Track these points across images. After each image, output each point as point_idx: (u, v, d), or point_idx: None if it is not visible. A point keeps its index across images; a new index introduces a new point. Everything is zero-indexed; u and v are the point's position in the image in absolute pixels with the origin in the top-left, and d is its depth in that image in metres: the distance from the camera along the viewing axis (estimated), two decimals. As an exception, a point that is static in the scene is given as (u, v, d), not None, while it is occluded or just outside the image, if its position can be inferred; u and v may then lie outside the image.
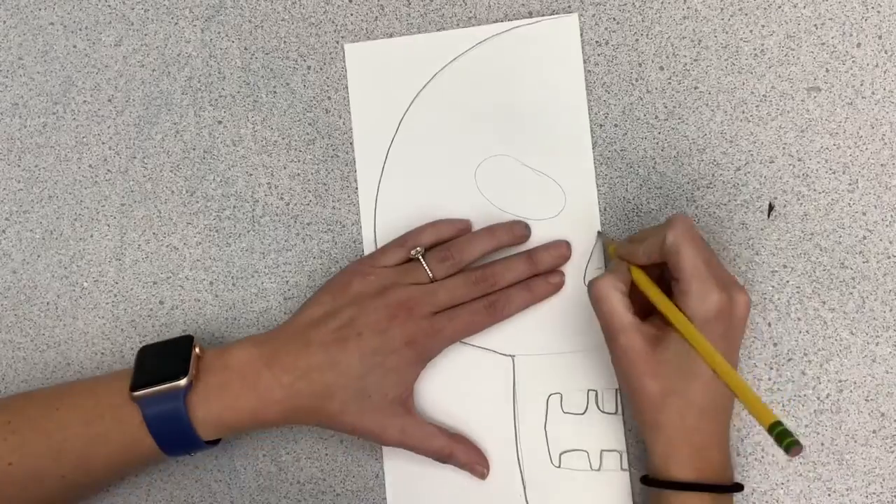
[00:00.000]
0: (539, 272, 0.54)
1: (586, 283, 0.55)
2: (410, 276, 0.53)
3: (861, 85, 0.55)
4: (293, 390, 0.50)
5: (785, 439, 0.40)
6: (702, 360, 0.46)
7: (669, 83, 0.56)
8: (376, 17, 0.58)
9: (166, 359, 0.50)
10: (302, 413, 0.51)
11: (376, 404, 0.51)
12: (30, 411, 0.50)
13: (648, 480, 0.49)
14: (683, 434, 0.47)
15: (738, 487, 0.49)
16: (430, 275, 0.53)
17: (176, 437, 0.49)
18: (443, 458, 0.53)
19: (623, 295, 0.49)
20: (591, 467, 0.54)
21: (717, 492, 0.47)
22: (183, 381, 0.49)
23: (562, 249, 0.55)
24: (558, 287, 0.55)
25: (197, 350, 0.51)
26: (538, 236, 0.56)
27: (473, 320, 0.53)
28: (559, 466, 0.54)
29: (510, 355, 0.55)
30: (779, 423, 0.40)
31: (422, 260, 0.53)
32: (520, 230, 0.55)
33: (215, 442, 0.52)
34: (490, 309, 0.53)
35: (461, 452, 0.53)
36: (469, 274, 0.54)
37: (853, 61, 0.55)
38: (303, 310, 0.53)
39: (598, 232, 0.55)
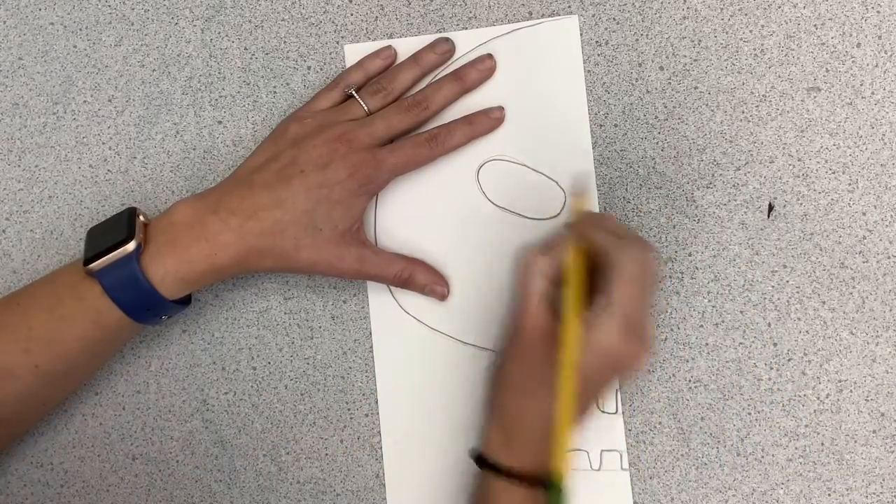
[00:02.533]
0: (468, 88, 0.56)
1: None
2: (347, 114, 0.54)
3: (861, 85, 0.55)
4: (243, 231, 0.50)
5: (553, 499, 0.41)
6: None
7: (669, 83, 0.56)
8: (376, 17, 0.58)
9: (112, 231, 0.51)
10: (255, 255, 0.51)
11: (328, 236, 0.51)
12: None
13: (481, 460, 0.48)
14: (521, 424, 0.47)
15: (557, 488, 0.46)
16: (365, 108, 0.54)
17: (138, 300, 0.50)
18: (402, 282, 0.54)
19: (545, 278, 0.47)
20: (591, 467, 0.54)
21: (540, 486, 0.45)
22: (131, 245, 0.49)
23: (487, 62, 0.56)
24: (499, 121, 0.56)
25: (142, 218, 0.51)
26: (538, 236, 0.56)
27: (416, 152, 0.54)
28: (559, 466, 0.54)
29: (510, 355, 0.55)
30: (558, 489, 0.41)
31: (355, 95, 0.55)
32: (442, 46, 0.56)
33: (185, 302, 0.53)
34: (432, 142, 0.54)
35: (420, 273, 0.54)
36: (401, 101, 0.55)
37: (853, 61, 0.55)
38: (244, 162, 0.54)
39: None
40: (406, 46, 0.58)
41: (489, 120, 0.56)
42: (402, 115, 0.54)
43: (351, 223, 0.53)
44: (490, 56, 0.56)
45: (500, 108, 0.56)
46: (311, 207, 0.51)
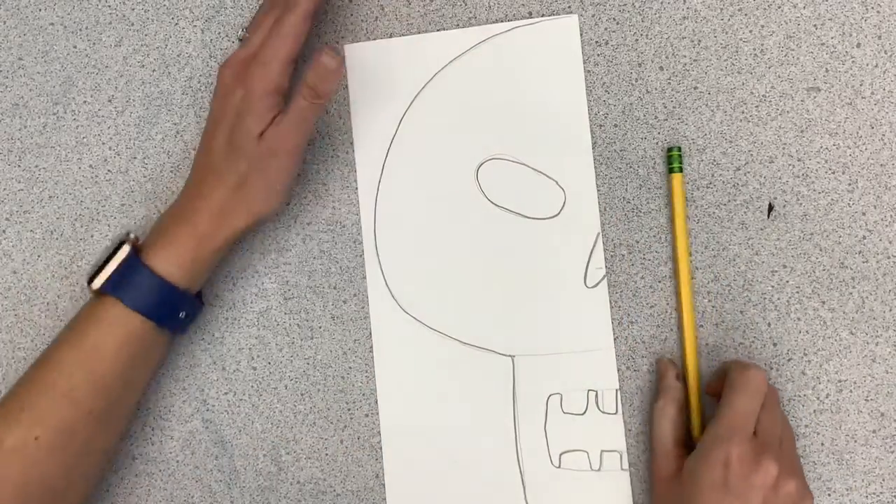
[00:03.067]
0: None
1: (587, 283, 0.55)
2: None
3: (861, 85, 0.55)
4: (212, 193, 0.52)
5: None
6: None
7: (669, 83, 0.56)
8: (376, 17, 0.58)
9: (106, 255, 0.52)
10: (230, 205, 0.52)
11: (258, 141, 0.51)
12: (27, 384, 0.50)
13: None
14: None
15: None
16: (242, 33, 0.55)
17: (152, 297, 0.50)
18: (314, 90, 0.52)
19: (671, 420, 0.52)
20: (591, 467, 0.54)
21: None
22: (125, 247, 0.51)
23: None
24: None
25: (132, 235, 0.52)
26: (538, 236, 0.56)
27: (279, 26, 0.52)
28: (559, 467, 0.54)
29: (510, 355, 0.55)
30: None
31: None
32: None
33: (199, 302, 0.54)
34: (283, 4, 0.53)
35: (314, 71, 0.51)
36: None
37: (853, 61, 0.55)
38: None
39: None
40: (406, 46, 0.58)
41: None
42: (268, 13, 0.53)
43: (266, 119, 0.52)
44: None
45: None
46: (228, 137, 0.52)
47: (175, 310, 0.52)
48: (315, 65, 0.50)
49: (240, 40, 0.58)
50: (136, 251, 0.51)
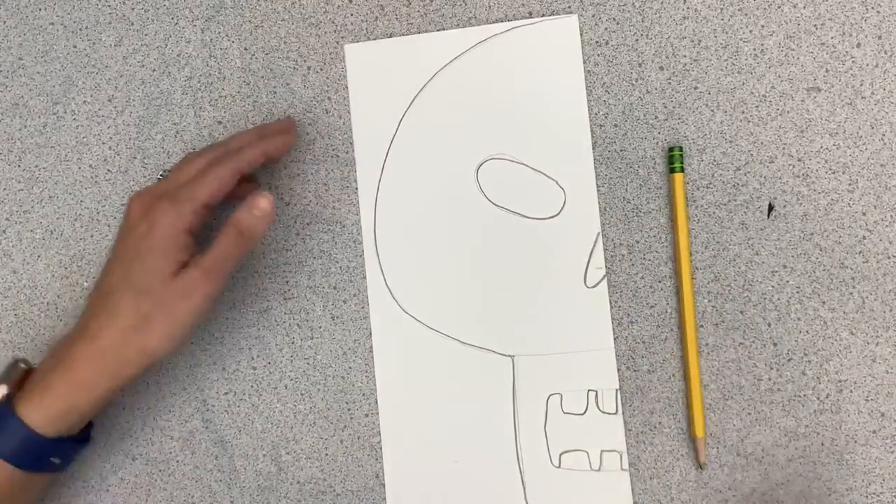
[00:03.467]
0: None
1: (587, 283, 0.55)
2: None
3: (861, 85, 0.55)
4: (88, 339, 0.48)
5: None
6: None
7: (669, 83, 0.56)
8: (376, 17, 0.58)
9: None
10: (111, 353, 0.48)
11: (162, 287, 0.48)
12: None
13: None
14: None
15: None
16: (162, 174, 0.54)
17: (20, 446, 0.47)
18: (241, 234, 0.50)
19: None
20: (591, 467, 0.54)
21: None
22: (3, 389, 0.49)
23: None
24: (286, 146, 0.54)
25: (23, 365, 0.50)
26: (538, 236, 0.56)
27: (213, 172, 0.50)
28: (559, 467, 0.54)
29: (510, 355, 0.55)
30: None
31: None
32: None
33: (81, 440, 0.51)
34: (227, 155, 0.51)
35: (243, 216, 0.50)
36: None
37: (853, 61, 0.55)
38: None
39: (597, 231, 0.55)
40: (406, 46, 0.58)
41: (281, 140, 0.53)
42: (201, 155, 0.52)
43: (177, 258, 0.49)
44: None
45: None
46: (129, 274, 0.49)
47: (43, 457, 0.49)
48: (248, 205, 0.49)
49: (159, 179, 0.56)
50: (12, 394, 0.48)
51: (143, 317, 0.48)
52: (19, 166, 0.59)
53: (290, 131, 0.55)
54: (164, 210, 0.49)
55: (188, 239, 0.50)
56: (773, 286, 0.55)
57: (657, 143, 0.56)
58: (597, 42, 0.57)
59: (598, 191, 0.56)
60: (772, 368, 0.54)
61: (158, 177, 0.56)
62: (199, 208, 0.50)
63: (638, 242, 0.56)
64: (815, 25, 0.56)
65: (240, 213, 0.49)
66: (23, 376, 0.50)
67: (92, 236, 0.58)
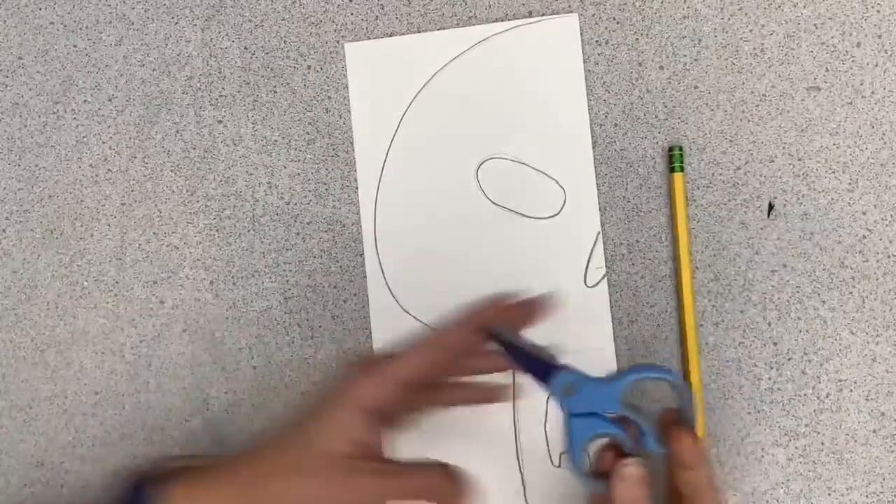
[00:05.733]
0: None
1: (587, 283, 0.55)
2: None
3: (861, 85, 0.55)
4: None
5: None
6: None
7: (669, 83, 0.56)
8: (376, 16, 0.58)
9: None
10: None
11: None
12: None
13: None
14: None
15: None
16: None
17: None
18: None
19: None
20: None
21: None
22: None
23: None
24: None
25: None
26: (538, 236, 0.56)
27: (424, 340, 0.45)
28: (559, 466, 0.54)
29: (510, 355, 0.55)
30: None
31: None
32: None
33: None
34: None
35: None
36: None
37: (853, 61, 0.55)
38: None
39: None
40: (406, 45, 0.58)
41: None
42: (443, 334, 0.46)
43: (349, 436, 0.42)
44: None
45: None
46: (285, 433, 0.43)
47: None
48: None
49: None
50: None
51: (266, 489, 0.41)
52: (19, 166, 0.59)
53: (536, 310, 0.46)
54: (358, 378, 0.43)
55: (373, 420, 0.42)
56: (773, 286, 0.55)
57: (657, 142, 0.56)
58: (597, 41, 0.57)
59: (598, 190, 0.56)
60: (772, 368, 0.54)
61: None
62: (395, 384, 0.43)
63: (638, 242, 0.56)
64: (815, 25, 0.56)
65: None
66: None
67: (92, 236, 0.58)
